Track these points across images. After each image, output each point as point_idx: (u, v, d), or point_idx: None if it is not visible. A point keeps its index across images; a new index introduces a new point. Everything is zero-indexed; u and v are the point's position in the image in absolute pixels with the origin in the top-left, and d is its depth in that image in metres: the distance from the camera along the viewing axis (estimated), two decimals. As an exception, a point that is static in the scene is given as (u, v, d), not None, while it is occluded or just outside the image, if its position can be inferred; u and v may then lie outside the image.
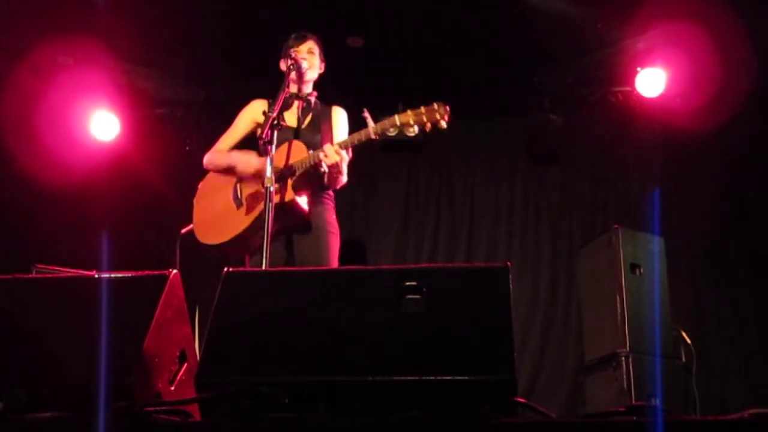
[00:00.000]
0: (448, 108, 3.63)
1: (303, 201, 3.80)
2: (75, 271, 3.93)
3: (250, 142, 4.17)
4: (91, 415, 1.73)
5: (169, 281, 2.19)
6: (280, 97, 3.60)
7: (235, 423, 1.77)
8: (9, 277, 2.29)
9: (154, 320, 2.08)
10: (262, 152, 3.95)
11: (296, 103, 3.98)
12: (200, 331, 4.32)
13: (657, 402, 4.27)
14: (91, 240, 5.12)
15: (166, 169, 6.32)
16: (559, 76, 6.05)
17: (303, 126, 3.96)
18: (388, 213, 6.40)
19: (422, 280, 2.03)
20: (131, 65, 5.89)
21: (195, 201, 4.11)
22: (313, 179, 3.82)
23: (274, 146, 3.45)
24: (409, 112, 3.64)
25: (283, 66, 3.99)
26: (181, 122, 6.43)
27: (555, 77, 6.05)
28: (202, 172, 6.52)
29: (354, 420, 1.76)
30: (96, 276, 2.25)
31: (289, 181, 3.72)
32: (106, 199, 6.07)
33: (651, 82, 5.80)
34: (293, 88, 3.94)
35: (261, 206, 3.67)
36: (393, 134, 3.69)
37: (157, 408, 1.88)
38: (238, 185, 3.95)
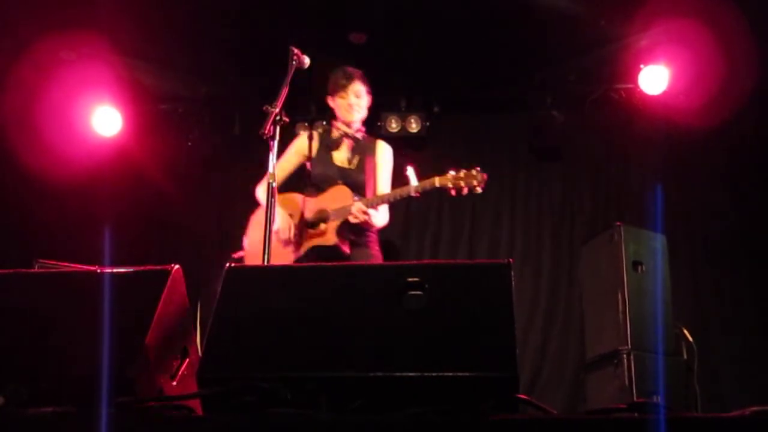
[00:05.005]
0: (485, 176, 3.88)
1: (345, 246, 4.01)
2: (77, 266, 3.93)
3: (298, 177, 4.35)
4: (92, 410, 1.73)
5: (171, 277, 2.19)
6: (282, 93, 3.60)
7: (236, 418, 1.77)
8: (11, 271, 2.29)
9: (156, 315, 2.08)
10: (309, 187, 4.16)
11: (345, 142, 4.25)
12: (202, 327, 4.33)
13: (658, 399, 4.26)
14: (94, 235, 5.13)
15: (168, 164, 6.32)
16: (561, 73, 6.04)
17: (351, 166, 4.22)
18: (390, 209, 6.40)
19: (424, 277, 2.03)
20: (134, 60, 5.89)
21: (247, 230, 4.31)
22: (355, 225, 4.03)
23: (276, 141, 3.48)
24: (449, 175, 3.89)
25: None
26: (183, 118, 6.43)
27: (557, 74, 6.04)
28: (204, 168, 6.55)
29: (355, 416, 1.76)
30: (98, 271, 2.25)
31: (333, 225, 4.00)
32: (108, 194, 6.08)
33: (654, 79, 5.79)
34: (342, 126, 4.23)
35: (306, 245, 4.00)
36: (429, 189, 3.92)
37: (159, 403, 1.89)
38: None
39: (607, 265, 4.90)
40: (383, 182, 4.24)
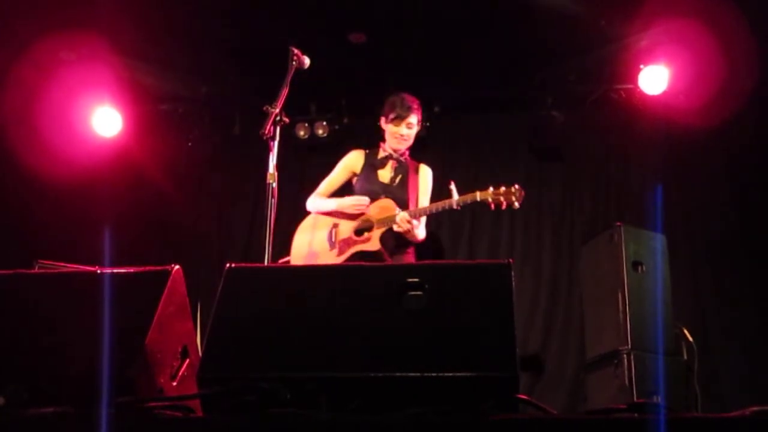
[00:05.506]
0: (523, 192, 4.08)
1: (387, 253, 4.19)
2: (77, 266, 3.93)
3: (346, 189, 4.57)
4: (92, 411, 1.73)
5: (171, 277, 2.19)
6: (282, 93, 3.61)
7: (236, 419, 1.77)
8: (11, 272, 2.29)
9: (156, 316, 2.08)
10: (359, 190, 4.40)
11: (390, 162, 4.44)
12: (202, 327, 4.35)
13: (658, 399, 4.26)
14: (94, 235, 5.13)
15: (168, 164, 6.33)
16: (561, 73, 6.04)
17: (394, 184, 4.40)
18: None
19: (424, 277, 2.03)
20: (134, 61, 5.89)
21: (295, 235, 4.48)
22: (398, 233, 4.22)
23: (276, 142, 3.49)
24: (490, 190, 4.08)
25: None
26: (183, 118, 6.44)
27: (557, 74, 6.04)
28: (204, 168, 6.55)
29: (355, 416, 1.76)
30: (98, 272, 2.25)
31: (377, 233, 4.19)
32: (108, 195, 6.08)
33: (654, 79, 5.79)
34: (389, 149, 4.43)
35: (351, 250, 4.21)
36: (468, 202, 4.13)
37: (159, 403, 1.88)
38: (334, 229, 4.36)
39: (608, 265, 4.90)
40: (423, 202, 4.43)
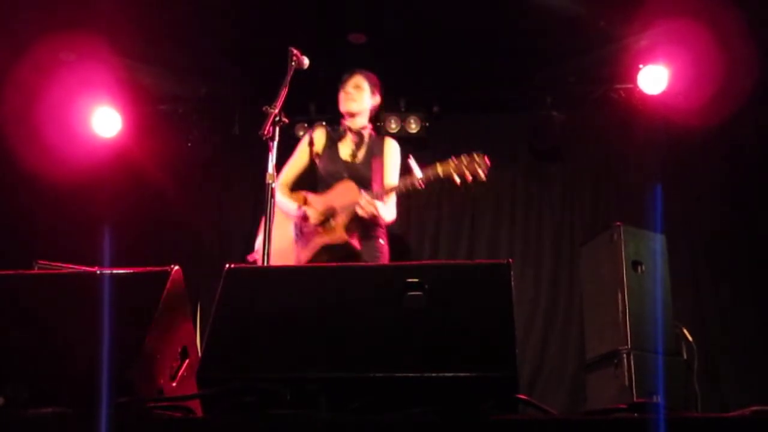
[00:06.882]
0: (486, 159, 3.83)
1: (355, 241, 3.96)
2: (77, 267, 3.93)
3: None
4: (92, 411, 1.73)
5: (170, 277, 2.19)
6: (281, 94, 3.61)
7: (236, 419, 1.77)
8: (11, 272, 2.29)
9: (155, 317, 2.08)
10: (319, 183, 4.16)
11: (350, 136, 4.26)
12: (202, 327, 4.33)
13: (658, 399, 4.26)
14: (93, 236, 5.13)
15: (167, 165, 6.32)
16: (561, 73, 6.03)
17: (357, 161, 4.20)
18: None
19: (424, 277, 2.03)
20: (133, 61, 5.88)
21: (258, 231, 4.22)
22: (363, 219, 3.99)
23: (275, 142, 3.48)
24: (450, 161, 3.87)
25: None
26: (182, 118, 6.43)
27: (557, 74, 6.04)
28: (204, 169, 6.55)
29: (355, 416, 1.76)
30: (98, 272, 2.25)
31: (341, 221, 3.97)
32: (107, 196, 6.08)
33: (653, 79, 5.79)
34: (346, 122, 4.23)
35: (316, 243, 3.96)
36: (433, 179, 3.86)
37: (159, 404, 1.89)
38: (299, 220, 4.13)
39: (607, 265, 4.90)
40: (391, 178, 4.19)
